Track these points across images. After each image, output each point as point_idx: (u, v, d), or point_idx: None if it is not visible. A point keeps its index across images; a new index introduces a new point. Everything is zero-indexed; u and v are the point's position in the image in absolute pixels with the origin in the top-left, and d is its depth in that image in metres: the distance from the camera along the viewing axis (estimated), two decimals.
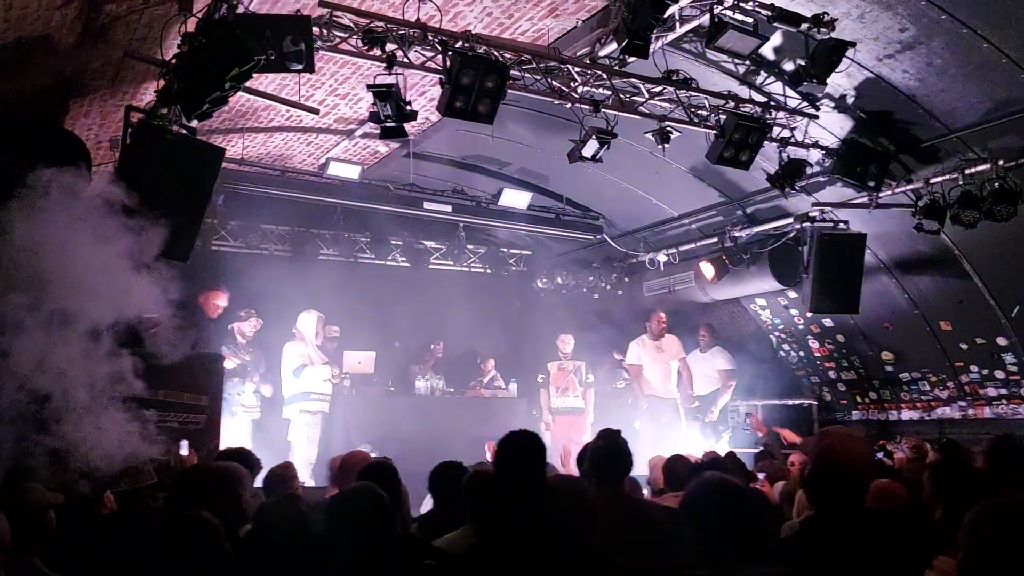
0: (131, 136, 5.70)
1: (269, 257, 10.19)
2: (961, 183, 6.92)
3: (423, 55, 6.00)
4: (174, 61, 5.28)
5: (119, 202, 5.45)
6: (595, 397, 10.34)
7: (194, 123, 5.63)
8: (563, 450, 7.10)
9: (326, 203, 9.67)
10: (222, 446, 6.61)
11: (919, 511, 3.64)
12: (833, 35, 5.94)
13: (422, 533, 3.70)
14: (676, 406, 9.87)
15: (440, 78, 5.96)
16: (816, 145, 7.39)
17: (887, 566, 2.71)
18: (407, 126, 6.25)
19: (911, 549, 3.05)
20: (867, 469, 3.00)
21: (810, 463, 3.00)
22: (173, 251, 5.80)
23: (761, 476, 5.98)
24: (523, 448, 3.15)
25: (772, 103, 7.07)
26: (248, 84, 5.70)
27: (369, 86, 5.93)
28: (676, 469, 4.99)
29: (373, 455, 5.28)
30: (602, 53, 6.37)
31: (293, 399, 8.60)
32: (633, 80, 6.66)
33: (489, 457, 8.02)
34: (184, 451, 5.84)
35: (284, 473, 4.67)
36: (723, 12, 5.64)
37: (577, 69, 6.44)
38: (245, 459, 4.22)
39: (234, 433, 7.63)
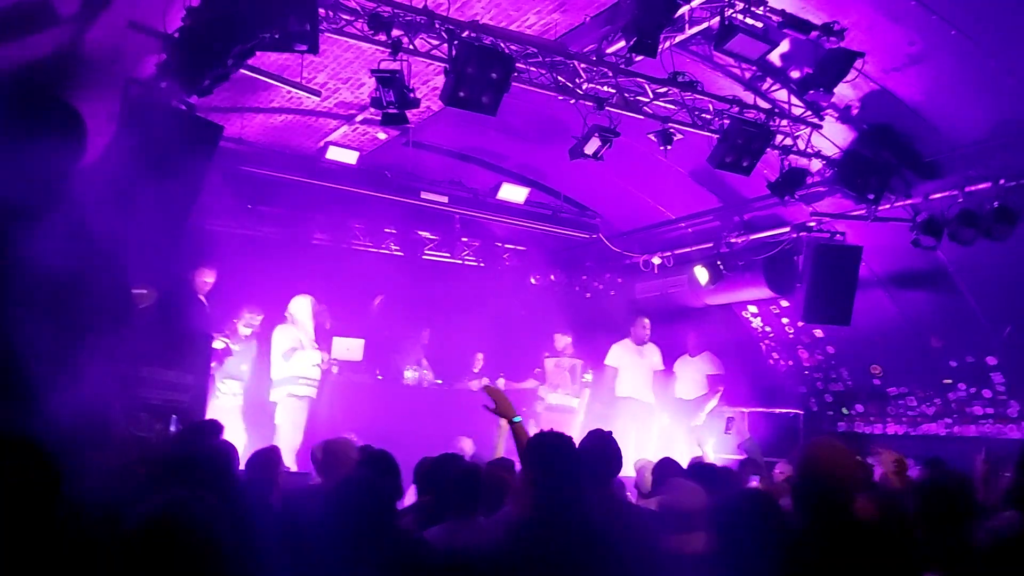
0: (129, 109, 5.63)
1: (262, 239, 10.10)
2: (960, 200, 6.92)
3: (429, 43, 5.95)
4: (176, 35, 5.21)
5: (114, 175, 5.39)
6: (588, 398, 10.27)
7: (193, 99, 5.56)
8: None
9: (322, 187, 9.59)
10: None
11: (903, 526, 3.62)
12: (842, 45, 5.92)
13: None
14: (651, 411, 9.80)
15: (444, 66, 5.91)
16: (818, 155, 7.37)
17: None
18: (408, 114, 6.20)
19: (898, 562, 3.03)
20: (853, 479, 2.97)
21: (795, 474, 2.97)
22: (167, 227, 5.75)
23: (755, 483, 5.98)
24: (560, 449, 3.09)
25: (776, 110, 7.05)
26: (250, 62, 5.65)
27: (373, 71, 5.88)
28: (666, 473, 4.95)
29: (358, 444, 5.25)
30: (609, 51, 6.33)
31: (281, 383, 8.53)
32: (638, 79, 6.62)
33: (466, 449, 8.02)
34: (172, 428, 5.80)
35: (269, 457, 4.60)
36: (734, 15, 5.61)
37: (583, 65, 6.40)
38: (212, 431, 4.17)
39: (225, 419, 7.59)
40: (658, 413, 9.78)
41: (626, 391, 9.75)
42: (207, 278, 8.01)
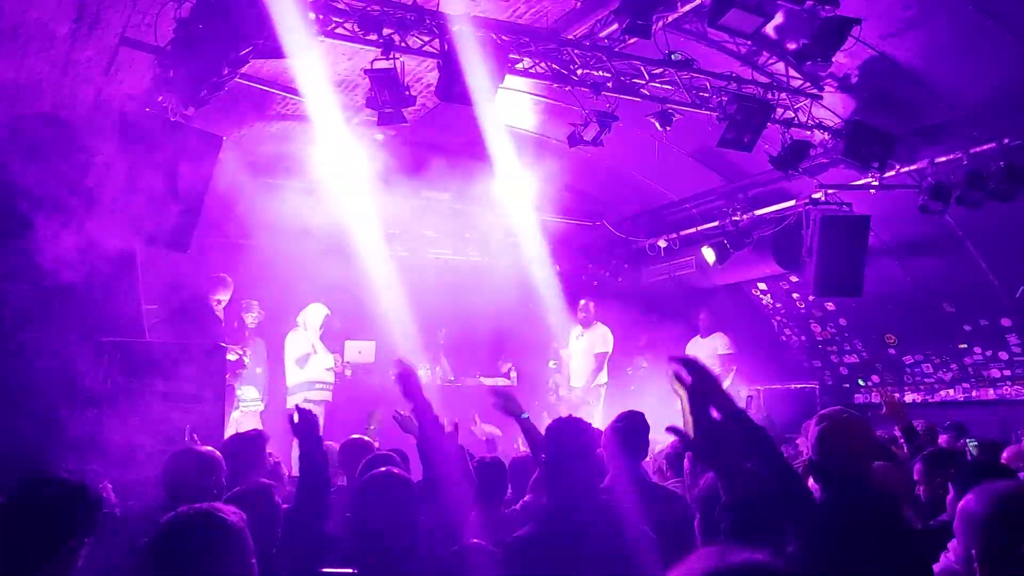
0: (127, 125, 5.64)
1: (266, 248, 10.09)
2: (966, 163, 6.86)
3: (420, 39, 5.93)
4: (169, 47, 5.21)
5: (117, 191, 5.40)
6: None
7: (191, 111, 5.56)
8: None
9: (323, 192, 9.56)
10: None
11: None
12: (837, 12, 5.86)
13: None
14: (600, 395, 9.61)
15: (437, 62, 5.89)
16: (819, 126, 7.32)
17: (894, 550, 2.67)
18: (404, 112, 6.18)
19: (918, 532, 3.01)
20: (869, 451, 2.94)
21: (811, 448, 2.95)
22: (172, 241, 5.77)
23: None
24: (574, 433, 3.09)
25: (775, 84, 7.00)
26: (243, 71, 5.64)
27: (367, 71, 5.86)
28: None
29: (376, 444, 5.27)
30: (602, 34, 6.29)
31: (297, 388, 8.57)
32: (634, 62, 6.59)
33: (481, 433, 8.09)
34: (187, 438, 5.80)
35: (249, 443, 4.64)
36: None
37: (577, 51, 6.37)
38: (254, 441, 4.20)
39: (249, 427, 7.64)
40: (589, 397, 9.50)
41: (571, 379, 9.81)
42: (222, 295, 8.06)
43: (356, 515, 2.50)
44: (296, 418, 3.15)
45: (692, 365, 2.17)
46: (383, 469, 2.70)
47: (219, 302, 8.05)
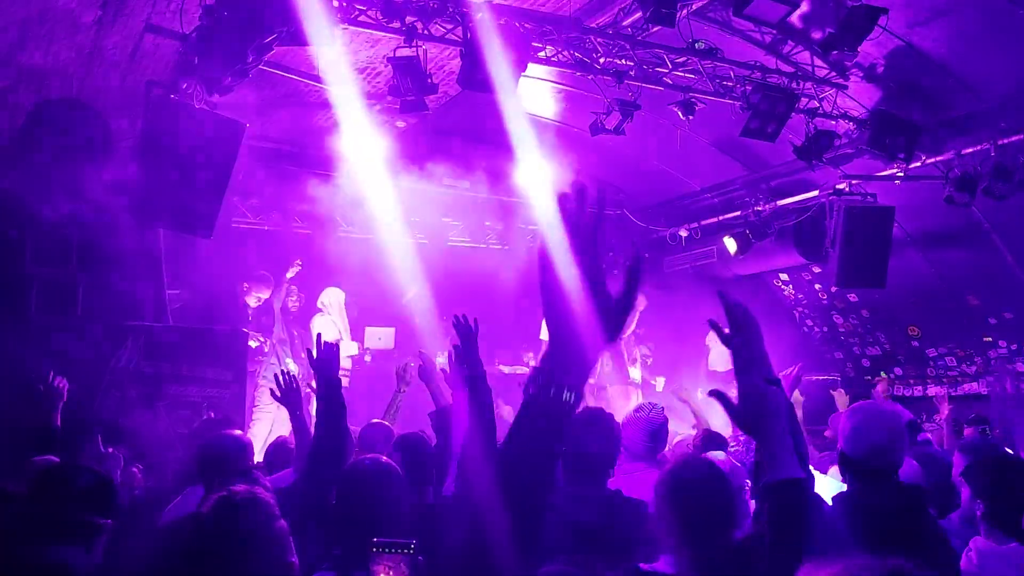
0: (152, 111, 5.69)
1: (289, 234, 10.16)
2: (993, 155, 6.77)
3: (443, 27, 5.92)
4: (194, 35, 5.24)
5: (141, 177, 5.46)
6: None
7: (215, 97, 5.60)
8: None
9: (344, 179, 9.60)
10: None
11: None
12: (864, 1, 5.79)
13: None
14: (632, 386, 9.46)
15: (460, 50, 5.89)
16: (844, 116, 7.24)
17: (920, 542, 2.65)
18: (427, 99, 6.18)
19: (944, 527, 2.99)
20: (901, 443, 2.92)
21: (843, 439, 2.93)
22: (196, 227, 5.82)
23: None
24: (593, 426, 3.13)
25: (799, 73, 6.93)
26: (267, 58, 5.66)
27: (390, 59, 5.87)
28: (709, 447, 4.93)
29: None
30: (625, 23, 6.26)
31: None
32: (657, 50, 6.54)
33: (505, 416, 8.12)
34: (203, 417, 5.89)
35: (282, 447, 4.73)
36: None
37: (600, 39, 6.34)
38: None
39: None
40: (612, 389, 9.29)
41: None
42: (262, 293, 8.19)
43: (338, 502, 2.53)
44: (315, 353, 3.18)
45: (739, 310, 1.95)
46: (367, 457, 2.72)
47: (259, 299, 8.21)
